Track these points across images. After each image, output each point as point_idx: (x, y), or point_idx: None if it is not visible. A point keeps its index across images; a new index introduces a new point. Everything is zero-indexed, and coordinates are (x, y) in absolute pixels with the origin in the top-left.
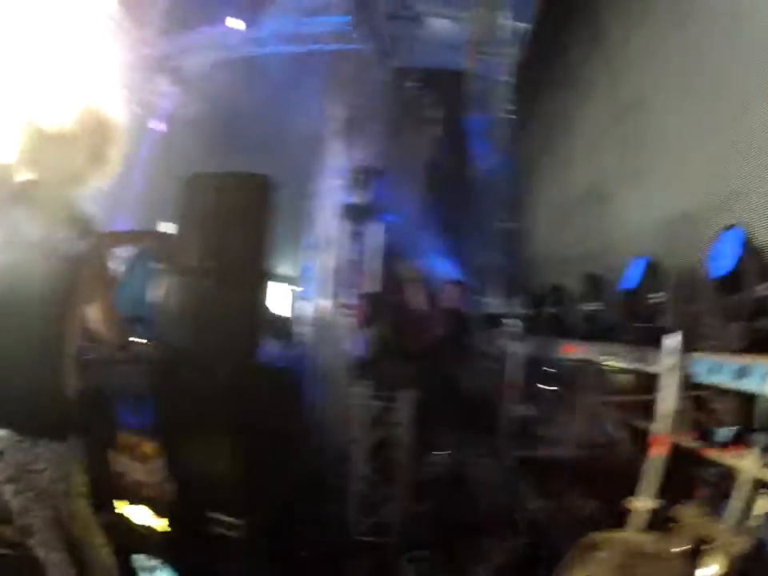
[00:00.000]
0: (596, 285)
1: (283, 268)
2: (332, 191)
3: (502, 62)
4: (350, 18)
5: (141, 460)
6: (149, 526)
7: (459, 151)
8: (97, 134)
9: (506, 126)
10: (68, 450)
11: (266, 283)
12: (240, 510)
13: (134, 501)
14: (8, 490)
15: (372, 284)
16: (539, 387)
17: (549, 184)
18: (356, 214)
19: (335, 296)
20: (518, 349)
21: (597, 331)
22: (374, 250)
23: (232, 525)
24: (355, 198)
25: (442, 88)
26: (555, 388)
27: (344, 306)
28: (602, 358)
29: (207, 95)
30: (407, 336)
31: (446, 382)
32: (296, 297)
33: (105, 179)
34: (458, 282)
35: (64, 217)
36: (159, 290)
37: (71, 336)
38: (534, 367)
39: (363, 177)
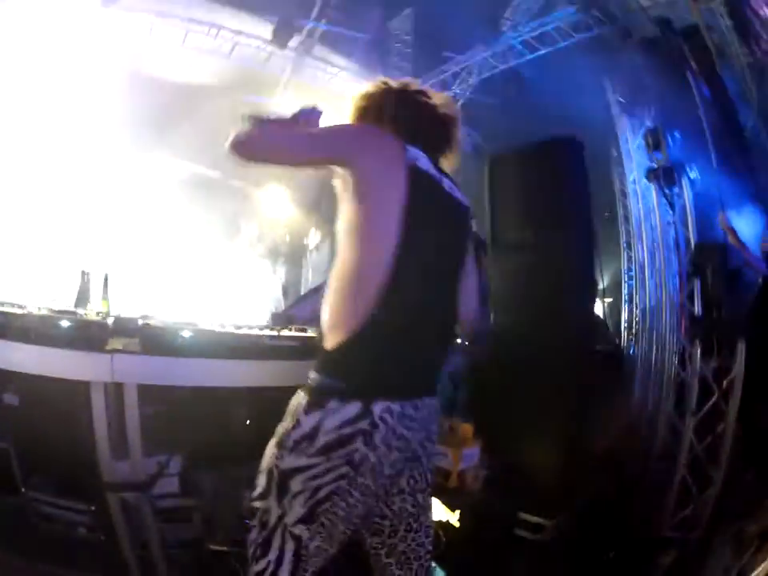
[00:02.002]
0: None
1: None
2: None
3: None
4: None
5: (455, 445)
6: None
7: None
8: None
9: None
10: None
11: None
12: (552, 510)
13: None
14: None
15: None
16: None
17: None
18: (660, 178)
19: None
20: None
21: None
22: (687, 213)
23: (539, 526)
24: (654, 163)
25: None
26: None
27: None
28: None
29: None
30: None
31: None
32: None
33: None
34: None
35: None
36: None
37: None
38: None
39: (656, 139)
